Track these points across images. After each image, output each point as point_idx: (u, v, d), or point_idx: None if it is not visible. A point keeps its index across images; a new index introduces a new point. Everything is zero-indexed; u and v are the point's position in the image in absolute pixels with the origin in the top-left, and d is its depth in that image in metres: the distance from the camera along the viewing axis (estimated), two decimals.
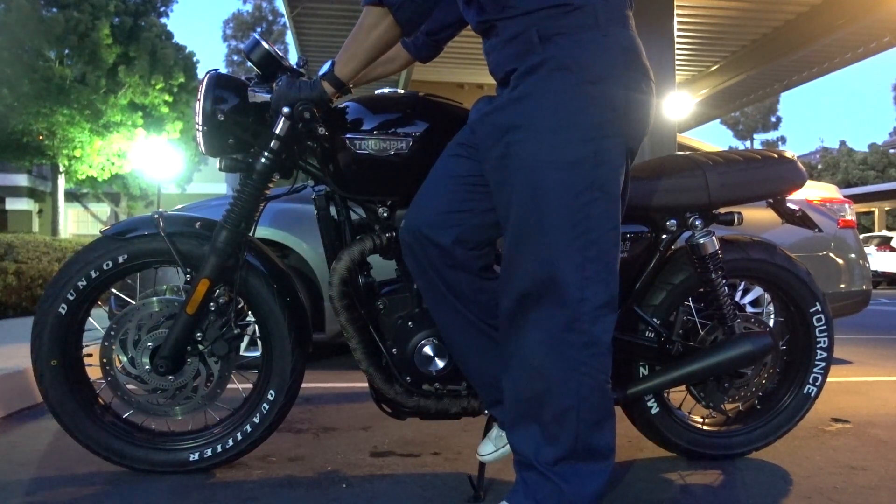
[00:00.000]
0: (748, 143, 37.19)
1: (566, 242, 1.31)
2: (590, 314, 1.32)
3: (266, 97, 1.62)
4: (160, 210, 1.87)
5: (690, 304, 1.92)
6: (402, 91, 1.85)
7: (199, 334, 1.75)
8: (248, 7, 31.77)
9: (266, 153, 1.67)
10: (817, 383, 2.00)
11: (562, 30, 1.33)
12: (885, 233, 19.32)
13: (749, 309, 3.22)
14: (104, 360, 1.76)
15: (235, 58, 30.48)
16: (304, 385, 1.89)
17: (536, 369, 1.35)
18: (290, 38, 9.82)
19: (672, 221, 1.81)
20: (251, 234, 1.78)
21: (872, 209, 23.83)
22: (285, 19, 8.61)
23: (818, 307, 1.96)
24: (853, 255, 3.78)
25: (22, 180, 24.24)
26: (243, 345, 3.05)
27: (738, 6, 7.16)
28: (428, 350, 1.69)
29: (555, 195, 1.31)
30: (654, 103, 1.41)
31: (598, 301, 1.33)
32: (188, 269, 1.76)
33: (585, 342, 1.33)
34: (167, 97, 17.21)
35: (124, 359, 1.75)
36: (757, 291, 3.31)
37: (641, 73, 1.38)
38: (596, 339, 1.33)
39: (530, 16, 1.34)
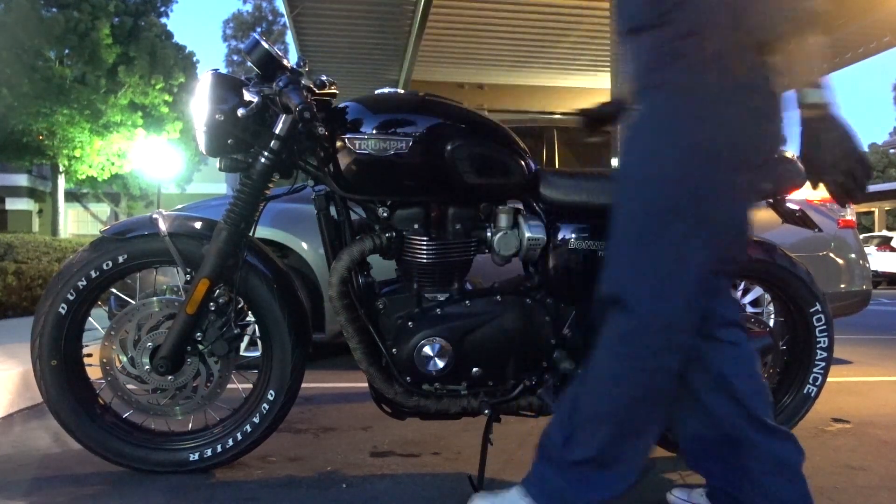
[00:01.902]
0: None
1: (631, 256, 1.32)
2: (642, 331, 1.30)
3: (254, 99, 1.61)
4: (160, 210, 1.87)
5: None
6: (402, 91, 1.85)
7: (199, 334, 1.75)
8: (248, 7, 31.72)
9: (266, 153, 1.67)
10: (817, 383, 2.00)
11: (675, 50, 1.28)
12: (885, 233, 19.30)
13: (749, 309, 3.23)
14: (104, 360, 1.76)
15: (235, 58, 30.45)
16: (304, 385, 1.88)
17: (588, 372, 1.38)
18: (290, 38, 9.81)
19: None
20: (251, 234, 1.78)
21: (872, 209, 23.81)
22: (285, 19, 8.61)
23: (818, 307, 1.96)
24: (853, 255, 3.78)
25: (22, 180, 24.24)
26: (243, 345, 3.05)
27: None
28: (428, 350, 1.69)
29: (629, 210, 1.32)
30: (769, 109, 1.31)
31: (661, 320, 1.29)
32: (188, 269, 1.76)
33: (632, 354, 1.31)
34: (167, 97, 17.21)
35: (124, 359, 1.76)
36: (757, 291, 3.30)
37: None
38: (642, 356, 1.31)
39: (652, 31, 1.31)
